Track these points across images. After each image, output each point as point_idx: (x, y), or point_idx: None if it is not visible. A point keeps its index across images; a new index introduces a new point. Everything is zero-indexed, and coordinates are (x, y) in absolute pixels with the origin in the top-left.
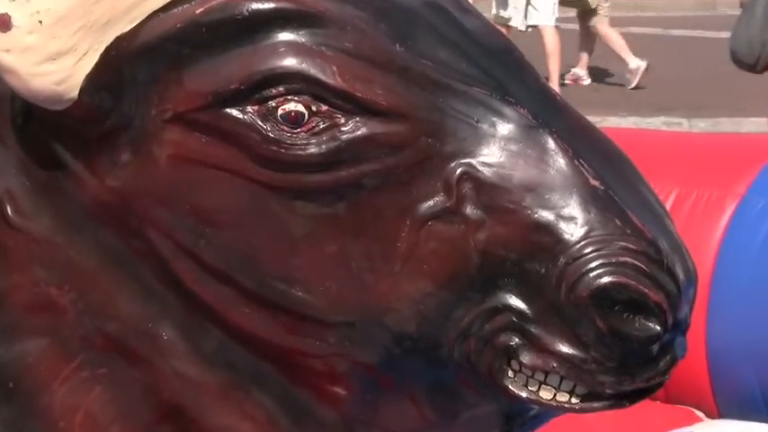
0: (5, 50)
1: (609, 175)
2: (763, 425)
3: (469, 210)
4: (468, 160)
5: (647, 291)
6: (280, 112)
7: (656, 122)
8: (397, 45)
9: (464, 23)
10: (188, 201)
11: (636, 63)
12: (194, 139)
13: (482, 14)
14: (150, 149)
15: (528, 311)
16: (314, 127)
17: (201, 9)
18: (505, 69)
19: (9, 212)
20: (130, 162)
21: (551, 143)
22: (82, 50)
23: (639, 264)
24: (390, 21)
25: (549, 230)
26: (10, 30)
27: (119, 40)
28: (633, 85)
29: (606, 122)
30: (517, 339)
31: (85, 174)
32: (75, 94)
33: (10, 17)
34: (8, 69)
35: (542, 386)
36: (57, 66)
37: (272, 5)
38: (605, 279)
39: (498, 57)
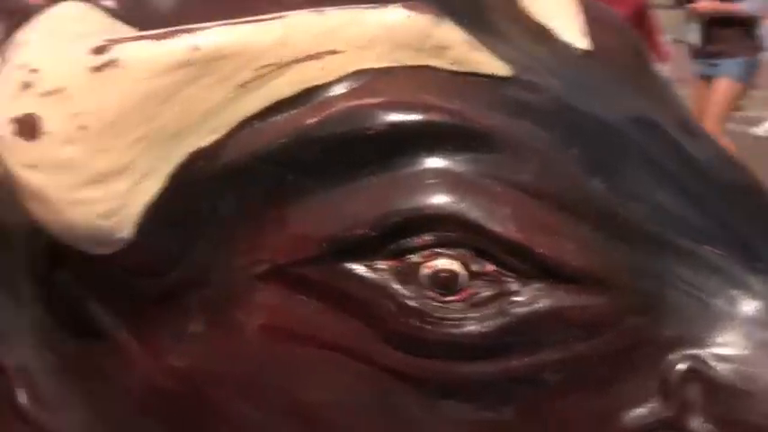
0: (30, 166)
1: None
2: None
3: (697, 424)
4: (695, 351)
5: None
6: (425, 270)
7: None
8: (596, 179)
9: (689, 150)
10: (286, 392)
11: None
12: (299, 303)
13: (714, 138)
14: (234, 316)
15: None
16: (474, 294)
17: (316, 119)
18: (751, 220)
19: (21, 400)
20: (203, 334)
21: None
22: (141, 170)
23: None
24: (586, 144)
25: None
26: (37, 138)
27: (194, 157)
28: None
29: None
30: None
31: (136, 348)
32: (128, 232)
33: (38, 119)
34: (33, 194)
35: None
36: (104, 191)
37: (418, 117)
38: None
39: (740, 201)
